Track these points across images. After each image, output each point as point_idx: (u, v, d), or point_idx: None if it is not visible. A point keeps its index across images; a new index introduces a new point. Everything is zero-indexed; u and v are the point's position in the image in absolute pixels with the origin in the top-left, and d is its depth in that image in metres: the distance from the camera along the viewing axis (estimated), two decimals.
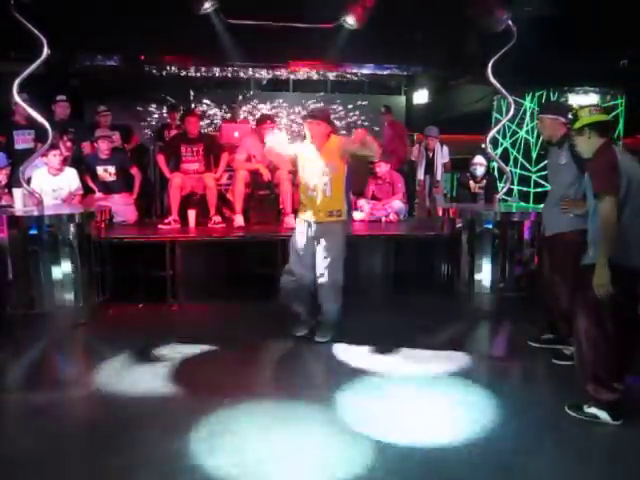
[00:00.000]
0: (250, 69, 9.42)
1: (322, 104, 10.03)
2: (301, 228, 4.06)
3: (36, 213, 4.66)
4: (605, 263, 2.78)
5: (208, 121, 9.49)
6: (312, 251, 4.03)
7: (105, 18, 6.41)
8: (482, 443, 2.77)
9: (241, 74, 9.65)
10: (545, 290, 3.97)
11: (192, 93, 9.59)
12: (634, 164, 2.97)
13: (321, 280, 4.00)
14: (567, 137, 3.69)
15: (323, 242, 3.98)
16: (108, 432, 2.86)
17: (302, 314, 4.20)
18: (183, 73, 9.48)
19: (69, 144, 6.17)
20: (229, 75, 9.64)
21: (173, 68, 9.17)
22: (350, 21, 6.57)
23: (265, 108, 9.78)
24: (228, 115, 8.92)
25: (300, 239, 4.05)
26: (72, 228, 4.54)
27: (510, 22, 5.44)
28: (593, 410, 2.96)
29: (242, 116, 9.19)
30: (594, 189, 2.88)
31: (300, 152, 4.11)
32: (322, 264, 3.98)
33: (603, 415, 2.94)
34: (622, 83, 8.05)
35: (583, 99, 8.07)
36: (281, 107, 9.93)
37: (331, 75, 10.09)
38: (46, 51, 4.74)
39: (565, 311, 3.64)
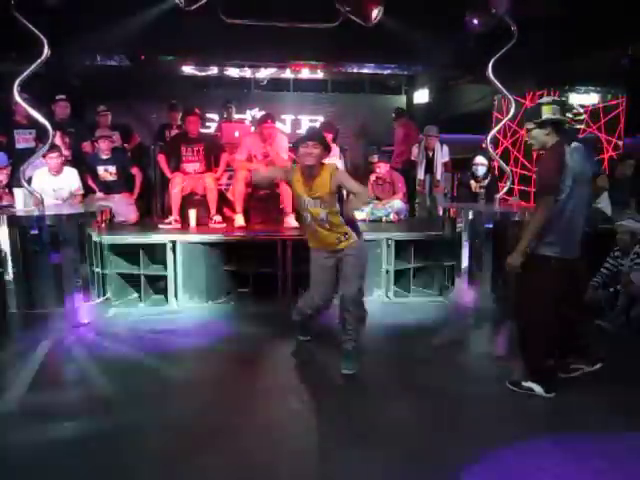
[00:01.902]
0: (250, 69, 9.44)
1: (322, 104, 10.08)
2: (317, 256, 3.75)
3: (37, 213, 4.66)
4: (525, 249, 3.19)
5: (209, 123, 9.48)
6: (332, 277, 3.74)
7: (105, 18, 6.41)
8: None
9: (241, 74, 9.66)
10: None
11: (192, 93, 9.58)
12: (584, 162, 3.24)
13: (344, 291, 3.62)
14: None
15: (344, 262, 3.65)
16: (108, 432, 2.87)
17: (309, 328, 4.14)
18: (183, 73, 9.50)
19: (67, 140, 6.17)
20: (229, 75, 9.65)
21: (173, 68, 9.19)
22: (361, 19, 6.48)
23: (265, 108, 9.79)
24: (225, 115, 8.91)
25: (317, 267, 3.76)
26: (72, 228, 4.54)
27: (510, 22, 5.44)
28: (529, 384, 3.31)
29: (238, 116, 9.16)
30: (537, 189, 3.28)
31: (295, 179, 3.66)
32: (345, 285, 3.62)
33: (538, 389, 3.29)
34: (623, 82, 8.05)
35: (584, 98, 8.07)
36: (281, 107, 9.93)
37: (331, 75, 10.09)
38: (46, 51, 4.74)
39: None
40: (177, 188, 5.80)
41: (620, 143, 8.09)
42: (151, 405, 3.18)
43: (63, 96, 6.45)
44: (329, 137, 6.19)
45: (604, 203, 5.77)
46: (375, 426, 2.95)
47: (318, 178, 3.58)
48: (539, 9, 5.93)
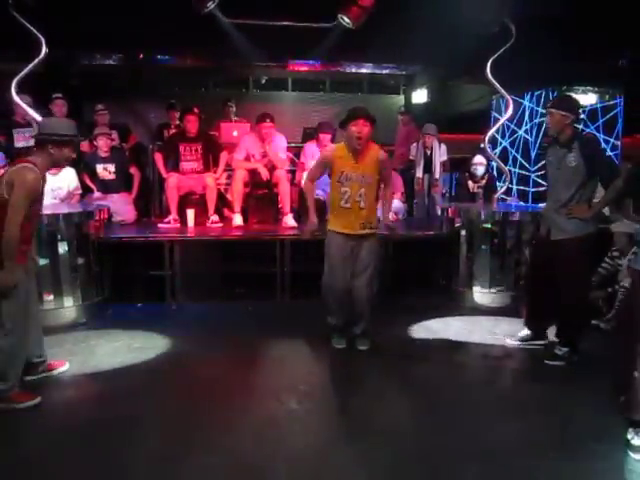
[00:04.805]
0: (249, 69, 9.44)
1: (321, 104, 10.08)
2: (337, 239, 3.81)
3: None
4: None
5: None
6: (349, 261, 3.81)
7: (104, 17, 6.40)
8: None
9: (240, 74, 9.67)
10: (539, 290, 3.95)
11: (191, 92, 9.58)
12: None
13: (358, 291, 3.83)
14: (575, 137, 3.63)
15: (361, 254, 3.78)
16: (107, 431, 2.86)
17: (340, 325, 4.04)
18: (182, 72, 9.50)
19: None
20: (229, 74, 9.66)
21: (172, 67, 9.18)
22: (346, 20, 6.55)
23: (264, 108, 9.79)
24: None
25: (337, 250, 3.80)
26: (71, 228, 4.54)
27: (509, 21, 5.45)
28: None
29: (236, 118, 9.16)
30: None
31: (337, 157, 3.74)
32: (361, 275, 3.81)
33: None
34: (621, 83, 8.06)
35: (582, 98, 8.07)
36: (280, 107, 9.93)
37: (330, 75, 10.10)
38: (44, 50, 4.75)
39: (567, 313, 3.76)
40: (173, 188, 5.80)
41: (618, 143, 8.10)
42: (149, 404, 3.18)
43: (59, 94, 6.43)
44: (327, 137, 6.20)
45: None
46: (375, 425, 2.96)
47: (366, 156, 3.69)
48: (538, 9, 5.93)
